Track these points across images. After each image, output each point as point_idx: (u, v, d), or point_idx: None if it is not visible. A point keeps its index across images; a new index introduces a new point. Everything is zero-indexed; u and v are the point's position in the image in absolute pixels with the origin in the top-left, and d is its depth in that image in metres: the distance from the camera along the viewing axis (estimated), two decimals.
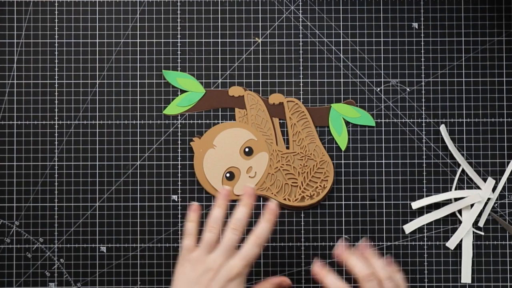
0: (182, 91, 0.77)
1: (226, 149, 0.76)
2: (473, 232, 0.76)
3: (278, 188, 0.76)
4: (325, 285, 0.66)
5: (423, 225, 0.77)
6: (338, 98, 0.77)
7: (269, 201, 0.68)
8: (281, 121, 0.77)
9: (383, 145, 0.77)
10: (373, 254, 0.68)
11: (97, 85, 0.77)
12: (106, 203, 0.77)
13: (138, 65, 0.77)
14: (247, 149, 0.77)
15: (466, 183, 0.77)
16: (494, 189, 0.76)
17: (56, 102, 0.77)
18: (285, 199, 0.76)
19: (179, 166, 0.77)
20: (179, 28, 0.77)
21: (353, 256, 0.66)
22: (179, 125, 0.77)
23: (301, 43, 0.77)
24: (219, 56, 0.77)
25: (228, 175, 0.76)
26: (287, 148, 0.77)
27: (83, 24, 0.77)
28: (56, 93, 0.77)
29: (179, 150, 0.77)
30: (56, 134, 0.77)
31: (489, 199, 0.76)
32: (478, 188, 0.76)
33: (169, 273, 0.76)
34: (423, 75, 0.77)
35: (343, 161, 0.77)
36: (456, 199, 0.76)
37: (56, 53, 0.77)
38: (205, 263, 0.64)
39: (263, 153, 0.77)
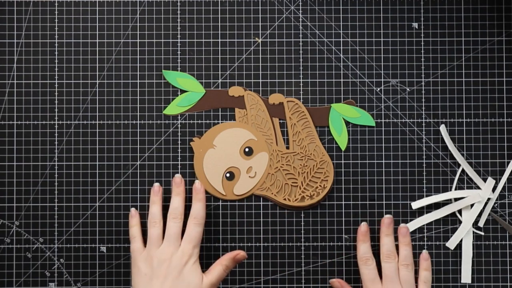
0: (182, 91, 0.77)
1: (226, 149, 0.76)
2: (473, 232, 0.76)
3: (278, 188, 0.76)
4: (358, 248, 0.74)
5: (423, 225, 0.77)
6: (338, 98, 0.77)
7: (194, 182, 0.74)
8: (281, 121, 0.77)
9: (383, 145, 0.77)
10: (407, 242, 0.74)
11: (97, 85, 0.77)
12: (106, 203, 0.77)
13: (138, 65, 0.77)
14: (247, 149, 0.77)
15: (466, 183, 0.77)
16: (494, 189, 0.76)
17: (56, 102, 0.77)
18: (285, 199, 0.76)
19: (179, 166, 0.77)
20: (179, 28, 0.77)
21: (390, 237, 0.74)
22: (179, 125, 0.77)
23: (301, 43, 0.77)
24: (219, 56, 0.77)
25: (228, 175, 0.76)
26: (287, 148, 0.77)
27: (83, 24, 0.77)
28: (56, 93, 0.77)
29: (179, 150, 0.77)
30: (56, 134, 0.77)
31: (489, 199, 0.76)
32: (478, 188, 0.76)
33: None
34: (423, 75, 0.77)
35: (343, 161, 0.77)
36: (456, 199, 0.76)
37: (56, 53, 0.77)
38: (157, 256, 0.69)
39: (263, 153, 0.77)
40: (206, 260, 0.76)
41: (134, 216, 0.74)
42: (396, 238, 0.75)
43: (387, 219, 0.74)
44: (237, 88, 0.77)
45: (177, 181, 0.74)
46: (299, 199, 0.76)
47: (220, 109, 0.77)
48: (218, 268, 0.70)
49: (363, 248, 0.73)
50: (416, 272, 0.74)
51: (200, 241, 0.71)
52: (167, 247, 0.70)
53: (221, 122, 0.77)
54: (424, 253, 0.75)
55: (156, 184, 0.74)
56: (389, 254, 0.73)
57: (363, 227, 0.74)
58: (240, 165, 0.76)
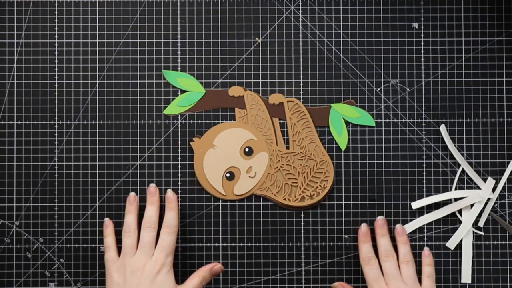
0: (182, 91, 0.77)
1: (226, 149, 0.76)
2: (473, 232, 0.76)
3: (278, 188, 0.76)
4: (359, 249, 0.74)
5: (423, 225, 0.77)
6: (338, 98, 0.77)
7: (167, 191, 0.74)
8: (281, 121, 0.77)
9: (383, 145, 0.77)
10: (405, 241, 0.74)
11: (97, 85, 0.77)
12: (106, 203, 0.77)
13: (138, 65, 0.77)
14: (247, 149, 0.77)
15: (466, 183, 0.77)
16: (494, 189, 0.76)
17: (56, 102, 0.77)
18: (285, 199, 0.76)
19: (179, 166, 0.77)
20: (179, 28, 0.77)
21: (385, 237, 0.74)
22: (179, 125, 0.77)
23: (301, 43, 0.77)
24: (219, 56, 0.77)
25: (228, 175, 0.76)
26: (287, 148, 0.77)
27: (83, 24, 0.77)
28: (56, 93, 0.77)
29: (179, 150, 0.77)
30: (56, 134, 0.77)
31: (489, 199, 0.76)
32: (478, 188, 0.76)
33: None
34: (423, 75, 0.77)
35: (343, 161, 0.77)
36: (456, 199, 0.76)
37: (56, 53, 0.77)
38: (130, 265, 0.70)
39: (263, 153, 0.77)
40: (206, 260, 0.76)
41: (108, 226, 0.74)
42: (393, 239, 0.75)
43: (380, 221, 0.75)
44: (237, 88, 0.77)
45: (152, 191, 0.74)
46: (299, 199, 0.76)
47: (220, 109, 0.77)
48: (195, 279, 0.71)
49: (365, 249, 0.73)
50: (420, 272, 0.74)
51: (173, 249, 0.71)
52: (140, 256, 0.70)
53: (221, 122, 0.77)
54: (426, 250, 0.75)
55: (132, 194, 0.75)
56: (387, 253, 0.73)
57: (363, 227, 0.74)
58: (240, 165, 0.76)
